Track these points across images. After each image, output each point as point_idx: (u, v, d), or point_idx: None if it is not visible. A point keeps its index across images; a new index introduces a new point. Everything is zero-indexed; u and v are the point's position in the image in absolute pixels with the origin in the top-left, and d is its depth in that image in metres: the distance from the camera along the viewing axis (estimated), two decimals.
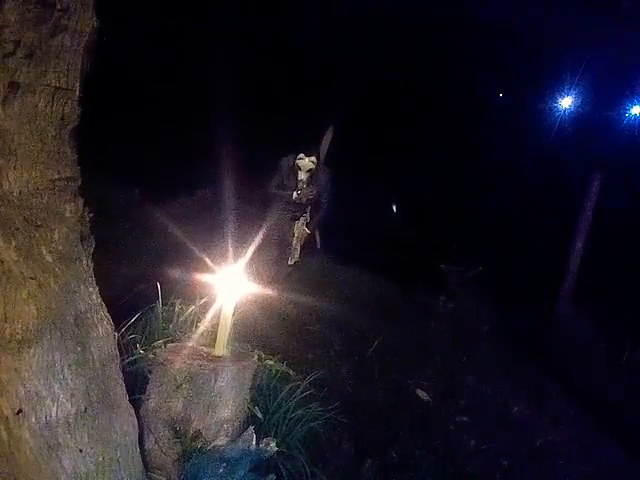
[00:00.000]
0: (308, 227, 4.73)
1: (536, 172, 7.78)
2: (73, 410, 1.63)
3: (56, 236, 1.61)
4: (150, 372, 2.21)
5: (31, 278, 1.55)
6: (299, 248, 4.77)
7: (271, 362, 2.80)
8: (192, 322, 2.88)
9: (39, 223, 1.57)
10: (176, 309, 2.93)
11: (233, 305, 2.28)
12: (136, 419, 1.88)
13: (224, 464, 2.01)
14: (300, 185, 4.52)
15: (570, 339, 5.40)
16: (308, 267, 4.84)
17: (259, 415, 2.36)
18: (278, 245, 4.69)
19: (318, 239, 4.96)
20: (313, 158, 4.52)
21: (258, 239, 4.44)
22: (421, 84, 8.59)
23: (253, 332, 3.33)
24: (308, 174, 4.52)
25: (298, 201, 4.55)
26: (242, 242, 4.30)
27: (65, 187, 1.63)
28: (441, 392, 3.70)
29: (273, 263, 4.66)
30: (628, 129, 5.92)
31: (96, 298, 1.75)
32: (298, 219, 4.71)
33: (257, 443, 2.13)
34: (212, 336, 2.45)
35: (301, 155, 4.50)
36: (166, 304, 2.90)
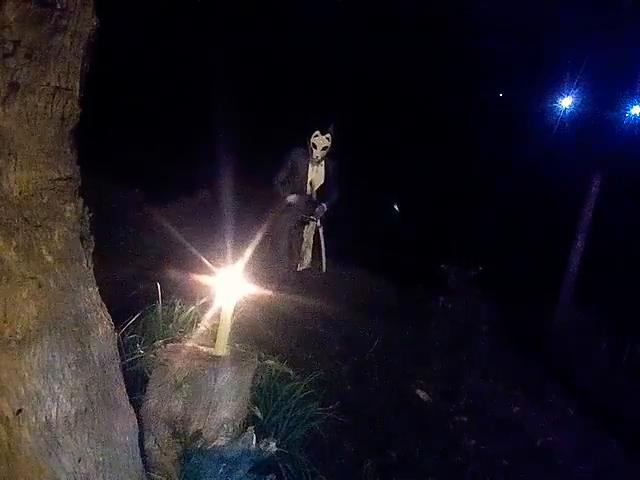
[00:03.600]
0: (320, 221, 4.60)
1: (536, 172, 7.78)
2: (73, 410, 1.63)
3: (56, 236, 1.61)
4: (150, 372, 2.21)
5: (31, 278, 1.55)
6: (309, 254, 4.66)
7: (271, 362, 2.79)
8: (192, 322, 2.88)
9: (39, 223, 1.57)
10: (176, 309, 2.93)
11: (233, 305, 2.28)
12: (136, 419, 1.88)
13: (224, 464, 2.01)
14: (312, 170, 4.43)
15: (570, 339, 5.40)
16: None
17: (259, 415, 2.36)
18: (285, 250, 4.56)
19: (324, 262, 4.70)
20: (328, 135, 4.38)
21: (261, 240, 4.40)
22: (422, 84, 8.60)
23: (253, 332, 3.33)
24: (324, 152, 4.40)
25: (311, 198, 4.43)
26: (244, 243, 4.30)
27: (65, 187, 1.63)
28: (441, 392, 3.70)
29: (280, 269, 4.56)
30: (628, 129, 5.92)
31: (96, 298, 1.75)
32: (308, 223, 4.58)
33: (257, 443, 2.13)
34: (212, 336, 2.45)
35: (317, 132, 4.38)
36: (166, 304, 2.90)
